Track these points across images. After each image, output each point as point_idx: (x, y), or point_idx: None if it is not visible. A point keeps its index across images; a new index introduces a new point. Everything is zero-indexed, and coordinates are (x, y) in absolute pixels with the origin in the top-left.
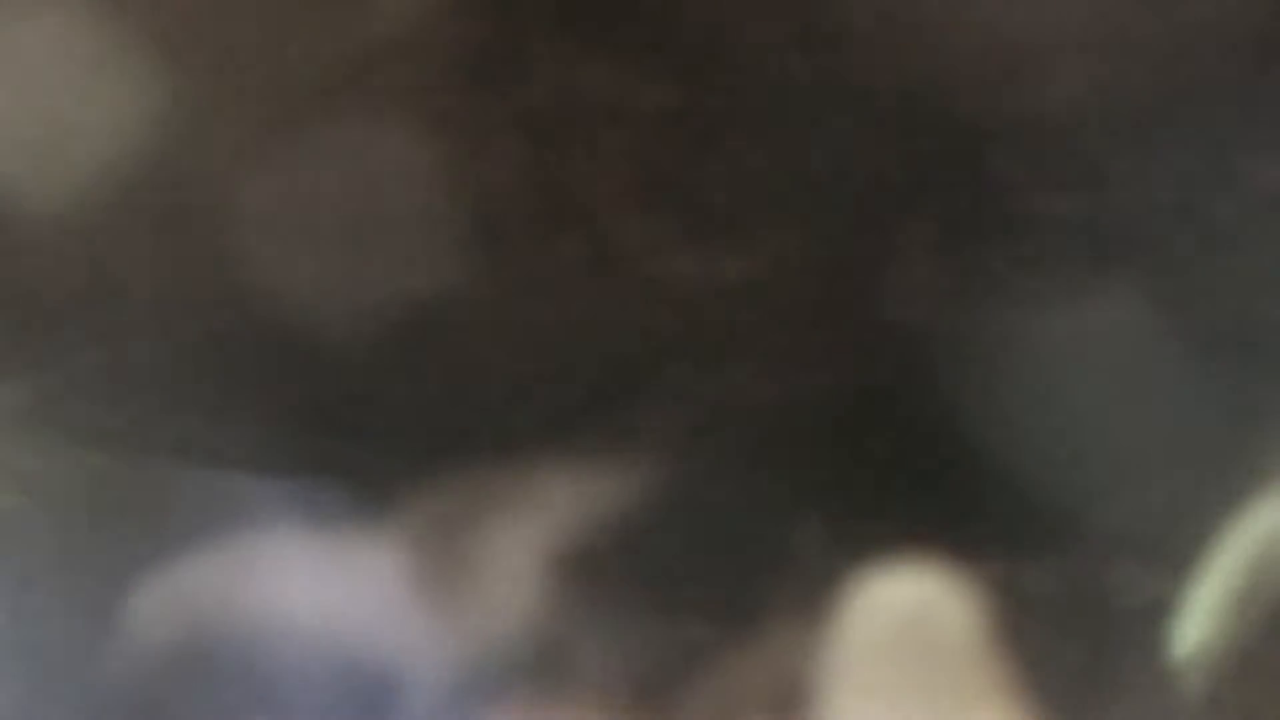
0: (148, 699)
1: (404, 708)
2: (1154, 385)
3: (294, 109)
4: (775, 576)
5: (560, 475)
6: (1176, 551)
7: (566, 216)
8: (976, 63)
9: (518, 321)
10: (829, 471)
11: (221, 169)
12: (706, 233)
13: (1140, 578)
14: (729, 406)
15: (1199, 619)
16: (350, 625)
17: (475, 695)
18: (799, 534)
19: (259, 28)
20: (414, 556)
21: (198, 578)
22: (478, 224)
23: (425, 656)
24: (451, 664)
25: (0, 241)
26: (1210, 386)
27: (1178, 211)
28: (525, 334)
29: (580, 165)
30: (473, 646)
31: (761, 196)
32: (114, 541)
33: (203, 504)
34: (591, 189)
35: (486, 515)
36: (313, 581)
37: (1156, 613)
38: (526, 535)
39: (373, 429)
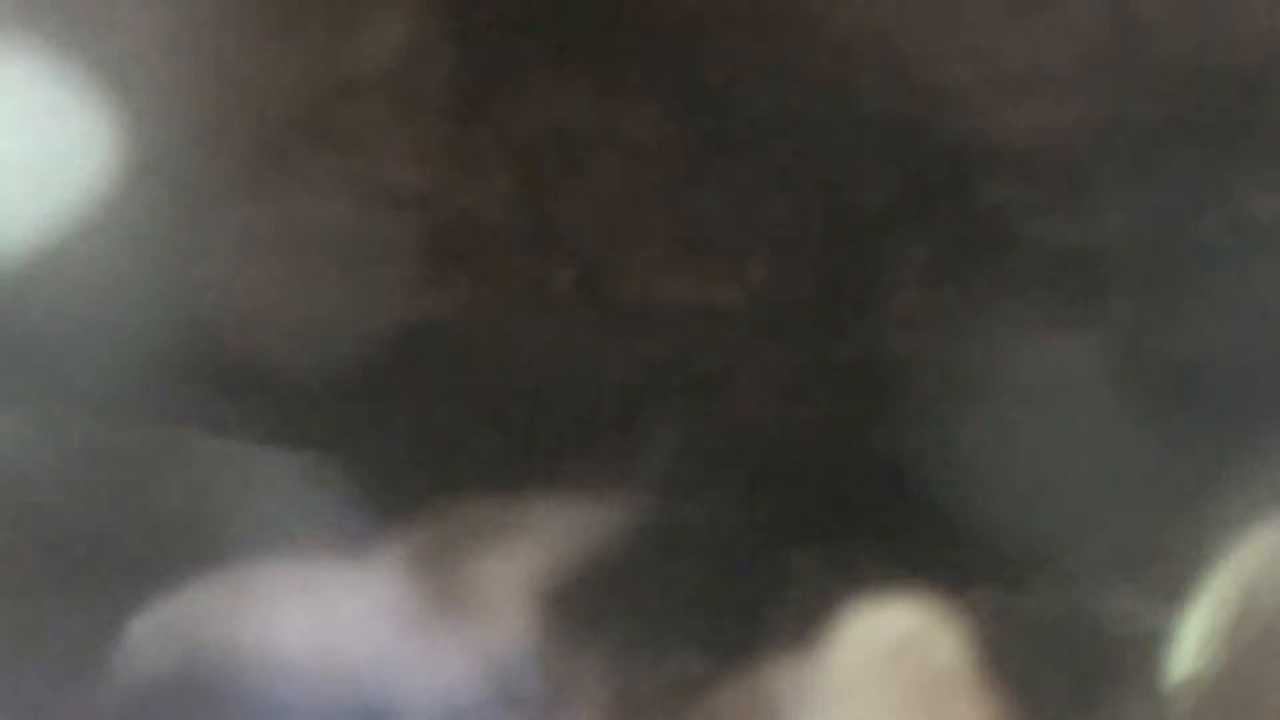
0: None
1: None
2: (1146, 413)
3: (284, 137)
4: (768, 607)
5: (552, 504)
6: (1168, 581)
7: (556, 245)
8: (969, 90)
9: (508, 350)
10: (822, 501)
11: (213, 194)
12: (697, 260)
13: (1132, 606)
14: (721, 434)
15: (1190, 647)
16: (344, 654)
17: None
18: (792, 564)
19: (249, 57)
20: (407, 586)
21: (194, 607)
22: (468, 252)
23: (418, 685)
24: (444, 693)
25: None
26: (1203, 414)
27: (1168, 238)
28: (516, 362)
29: (570, 194)
30: (465, 676)
31: (752, 224)
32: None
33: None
34: (581, 217)
35: (479, 545)
36: (307, 611)
37: (1148, 641)
38: (518, 565)
39: (364, 459)
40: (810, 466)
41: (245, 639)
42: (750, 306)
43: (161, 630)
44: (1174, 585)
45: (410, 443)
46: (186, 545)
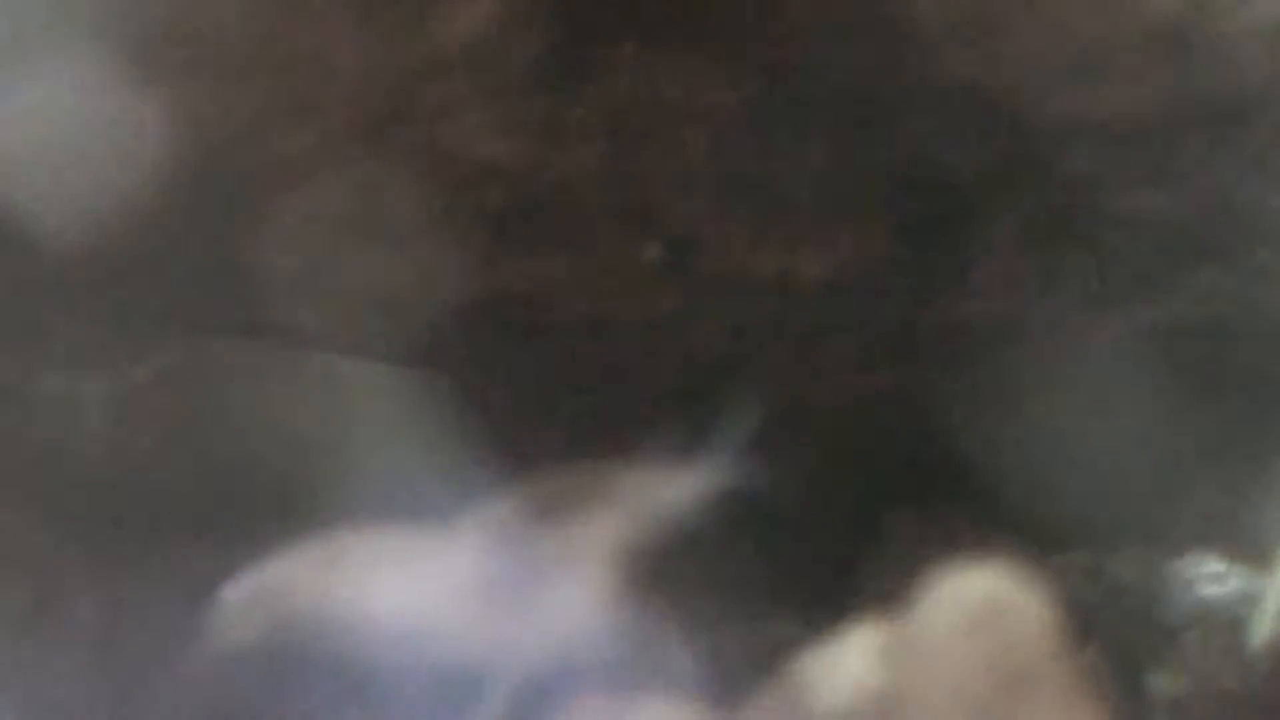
0: (235, 696)
1: (486, 704)
2: (1233, 378)
3: (372, 112)
4: (857, 572)
5: (642, 472)
6: (1254, 544)
7: (644, 217)
8: (1053, 62)
9: (598, 321)
10: (910, 467)
11: (300, 170)
12: (786, 230)
13: (1218, 569)
14: (811, 401)
15: (1276, 609)
16: (432, 623)
17: (557, 692)
18: (881, 529)
19: (337, 33)
20: (495, 555)
21: (284, 576)
22: (556, 225)
23: (507, 654)
24: (533, 661)
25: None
26: None
27: (1253, 208)
28: (604, 333)
29: (659, 165)
30: (554, 644)
31: (840, 194)
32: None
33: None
34: (669, 190)
35: (567, 513)
36: (396, 580)
37: (1234, 603)
38: (606, 533)
39: (453, 429)
40: (898, 433)
41: (335, 608)
42: (836, 277)
43: (252, 599)
44: (1260, 548)
45: (498, 413)
46: (277, 514)
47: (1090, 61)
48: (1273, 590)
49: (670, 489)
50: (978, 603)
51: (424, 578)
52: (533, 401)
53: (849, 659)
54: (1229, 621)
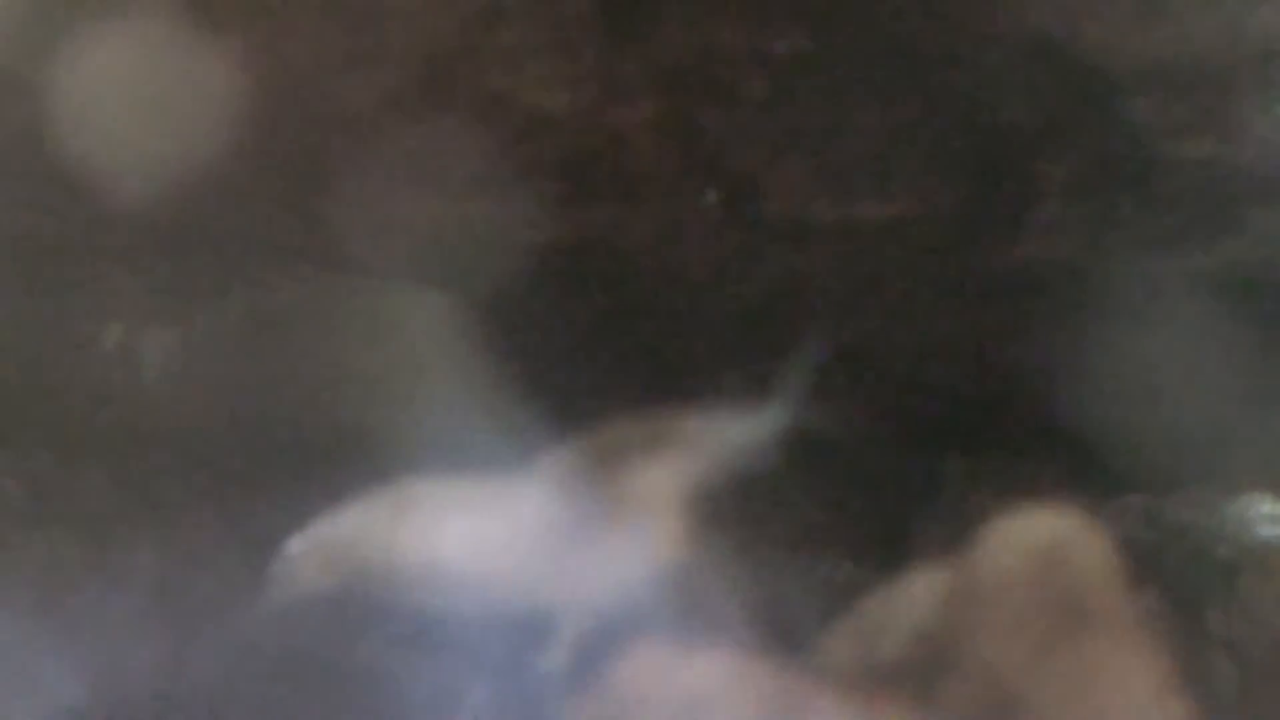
0: (298, 646)
1: (550, 650)
2: None
3: (432, 62)
4: (917, 515)
5: (704, 417)
6: None
7: (704, 164)
8: (1109, 9)
9: (658, 268)
10: (970, 411)
11: (362, 121)
12: (843, 178)
13: (1277, 511)
14: (869, 348)
15: None
16: (501, 568)
17: (621, 635)
18: (941, 472)
19: None
20: (561, 500)
21: (353, 524)
22: (617, 173)
23: (571, 600)
24: (596, 607)
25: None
26: None
27: None
28: (665, 280)
29: (717, 114)
30: (617, 587)
31: (897, 141)
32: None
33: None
34: (728, 137)
35: (630, 459)
36: (461, 523)
37: None
38: (669, 477)
39: (516, 376)
40: (958, 377)
41: (404, 555)
42: (895, 222)
43: (319, 548)
44: None
45: (560, 360)
46: (345, 463)
47: (1146, 7)
48: None
49: (730, 435)
50: (1037, 546)
51: (489, 525)
52: (593, 349)
53: (910, 603)
54: None
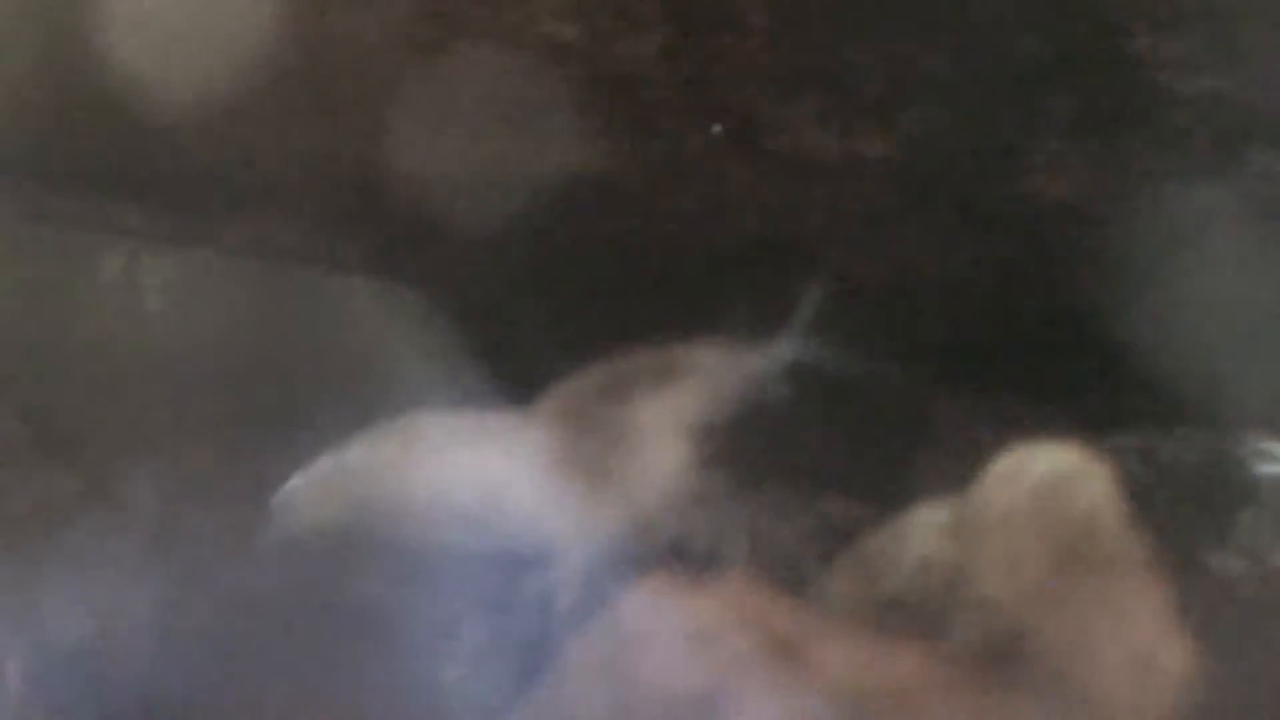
0: (302, 580)
1: (554, 583)
2: None
3: None
4: (918, 452)
5: (706, 353)
6: None
7: (709, 97)
8: None
9: (661, 202)
10: (970, 347)
11: (372, 51)
12: (847, 113)
13: (1273, 448)
14: (871, 283)
15: None
16: (504, 503)
17: (622, 572)
18: (941, 409)
19: None
20: (565, 435)
21: (355, 460)
22: (621, 106)
23: (574, 533)
24: (599, 541)
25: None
26: None
27: None
28: (669, 215)
29: (723, 47)
30: (619, 524)
31: (902, 76)
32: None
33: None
34: (734, 70)
35: (634, 393)
36: (465, 457)
37: None
38: (673, 413)
39: (521, 308)
40: (959, 314)
41: (406, 491)
42: (900, 158)
43: (323, 483)
44: None
45: (566, 292)
46: (348, 397)
47: None
48: None
49: (734, 369)
50: (1037, 482)
51: (493, 459)
52: (599, 281)
53: (912, 538)
54: None
